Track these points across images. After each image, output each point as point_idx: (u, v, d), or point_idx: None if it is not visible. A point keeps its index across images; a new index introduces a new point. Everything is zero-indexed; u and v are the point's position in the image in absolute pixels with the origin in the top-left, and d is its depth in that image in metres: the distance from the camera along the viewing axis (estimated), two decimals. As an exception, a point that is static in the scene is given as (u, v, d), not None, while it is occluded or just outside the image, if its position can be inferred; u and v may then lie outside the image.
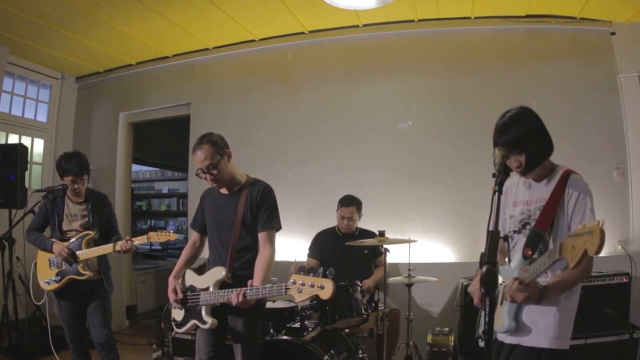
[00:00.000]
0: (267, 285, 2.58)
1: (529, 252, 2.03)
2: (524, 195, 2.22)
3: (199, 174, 2.84)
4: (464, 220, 4.79)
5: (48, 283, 3.56)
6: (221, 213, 2.92)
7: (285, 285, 2.45)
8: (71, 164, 3.50)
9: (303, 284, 2.37)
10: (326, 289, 2.32)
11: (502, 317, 2.09)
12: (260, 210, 2.84)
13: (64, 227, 3.59)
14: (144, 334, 5.87)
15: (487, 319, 1.72)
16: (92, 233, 3.54)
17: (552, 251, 1.81)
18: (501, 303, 2.12)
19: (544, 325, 2.03)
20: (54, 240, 3.54)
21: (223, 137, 2.90)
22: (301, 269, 2.44)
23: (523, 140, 2.04)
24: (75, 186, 3.56)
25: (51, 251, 3.50)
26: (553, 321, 2.02)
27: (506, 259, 2.25)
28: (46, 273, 3.58)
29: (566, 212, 2.05)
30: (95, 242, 3.53)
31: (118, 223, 3.89)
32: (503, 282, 2.15)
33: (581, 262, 1.61)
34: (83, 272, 3.47)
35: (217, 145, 2.81)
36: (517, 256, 2.12)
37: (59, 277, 3.52)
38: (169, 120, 6.41)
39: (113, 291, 3.70)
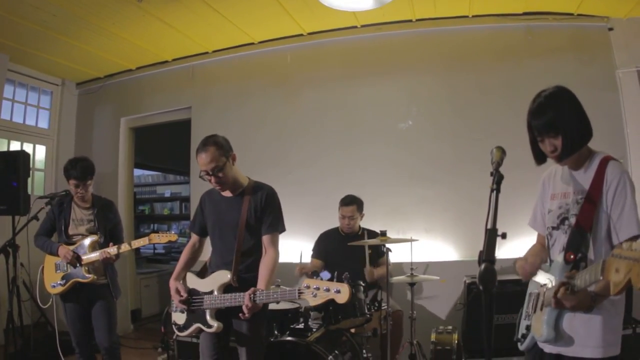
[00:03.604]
0: (279, 289, 2.59)
1: (571, 257, 1.85)
2: (562, 187, 2.07)
3: (203, 177, 2.79)
4: (466, 218, 4.79)
5: (54, 287, 3.62)
6: (224, 216, 2.89)
7: (299, 290, 2.47)
8: (75, 169, 3.56)
9: (318, 288, 2.39)
10: (343, 293, 2.36)
11: (541, 325, 1.91)
12: (265, 214, 2.83)
13: (70, 231, 3.65)
14: (149, 337, 5.88)
15: (486, 319, 1.64)
16: (96, 237, 3.58)
17: (595, 268, 1.59)
18: (541, 309, 1.95)
19: (585, 335, 1.87)
20: (59, 243, 3.59)
21: (227, 139, 2.87)
22: (313, 273, 2.45)
23: (560, 121, 1.89)
24: (79, 190, 3.60)
25: (57, 254, 3.55)
26: (595, 329, 1.85)
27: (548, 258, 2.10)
28: (52, 277, 3.64)
29: (605, 204, 1.88)
30: (100, 247, 3.56)
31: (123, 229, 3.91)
32: (544, 284, 1.97)
33: (623, 290, 1.36)
34: (87, 275, 3.52)
35: (223, 148, 2.76)
36: (557, 258, 1.95)
37: (64, 281, 3.57)
38: (170, 124, 6.44)
39: (119, 295, 3.73)
